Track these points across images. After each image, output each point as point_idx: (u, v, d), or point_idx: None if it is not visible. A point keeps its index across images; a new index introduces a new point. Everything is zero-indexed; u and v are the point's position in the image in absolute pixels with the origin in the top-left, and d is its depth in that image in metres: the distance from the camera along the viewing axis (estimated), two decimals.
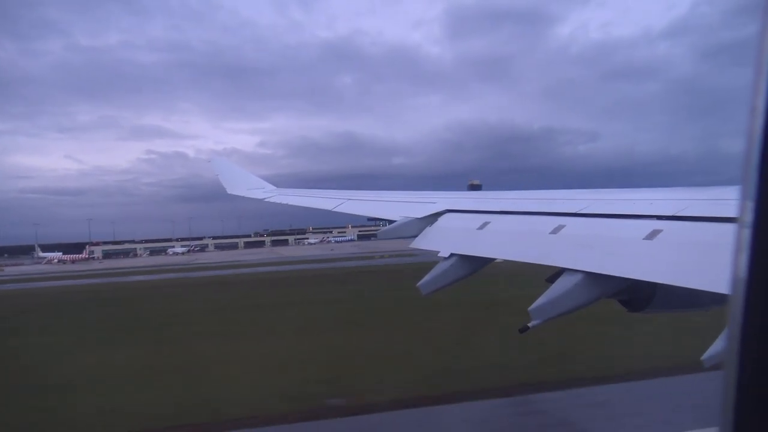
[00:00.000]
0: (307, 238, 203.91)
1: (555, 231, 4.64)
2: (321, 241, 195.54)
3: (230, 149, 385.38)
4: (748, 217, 0.83)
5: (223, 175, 13.78)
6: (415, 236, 6.22)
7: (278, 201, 11.38)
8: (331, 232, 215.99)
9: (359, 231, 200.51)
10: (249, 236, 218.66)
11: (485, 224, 5.55)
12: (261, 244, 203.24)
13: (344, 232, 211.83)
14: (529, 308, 3.87)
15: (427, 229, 6.23)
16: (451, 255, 5.29)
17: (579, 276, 3.86)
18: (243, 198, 12.71)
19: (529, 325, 3.98)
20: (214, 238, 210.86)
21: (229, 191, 13.25)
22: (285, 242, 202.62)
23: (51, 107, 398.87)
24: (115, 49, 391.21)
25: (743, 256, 0.84)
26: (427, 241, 5.97)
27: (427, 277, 5.28)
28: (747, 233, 0.83)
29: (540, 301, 3.88)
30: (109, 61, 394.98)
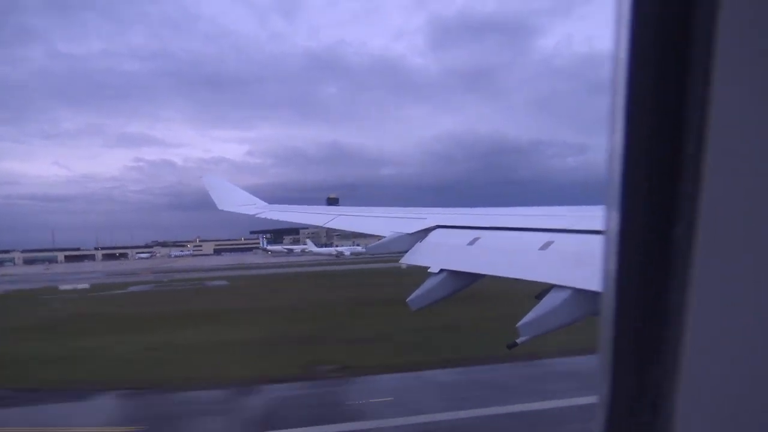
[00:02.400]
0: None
1: (544, 247, 4.64)
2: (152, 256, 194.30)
3: (218, 158, 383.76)
4: (614, 225, 1.00)
5: (214, 191, 13.78)
6: (406, 252, 6.21)
7: (269, 217, 11.39)
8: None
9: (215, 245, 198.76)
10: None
11: (475, 240, 5.55)
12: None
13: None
14: (518, 324, 3.85)
15: (417, 244, 6.22)
16: (441, 271, 5.27)
17: (567, 292, 3.84)
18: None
19: (517, 341, 3.96)
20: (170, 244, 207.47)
21: (219, 207, 13.25)
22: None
23: (35, 114, 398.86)
24: (97, 56, 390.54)
25: (612, 259, 1.00)
26: (417, 257, 5.96)
27: (417, 293, 5.25)
28: (614, 240, 1.00)
29: (528, 317, 3.86)
30: (91, 69, 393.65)
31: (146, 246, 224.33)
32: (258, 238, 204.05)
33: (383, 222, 7.69)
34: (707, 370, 0.93)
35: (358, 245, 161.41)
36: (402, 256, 6.19)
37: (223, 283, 70.93)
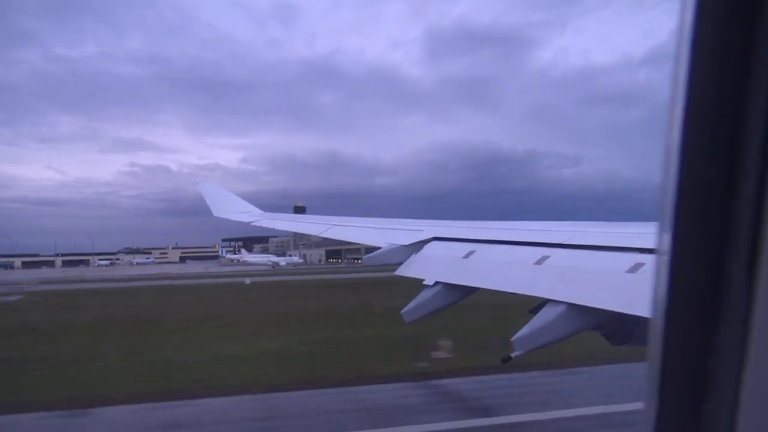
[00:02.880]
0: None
1: (539, 262, 4.65)
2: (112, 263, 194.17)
3: (213, 164, 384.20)
4: (666, 247, 0.96)
5: (210, 198, 13.77)
6: (401, 263, 6.20)
7: (264, 225, 11.38)
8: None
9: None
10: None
11: (471, 253, 5.55)
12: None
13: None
14: (512, 338, 3.85)
15: (413, 256, 6.22)
16: (436, 283, 5.27)
17: (562, 307, 3.85)
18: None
19: (512, 355, 3.95)
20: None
21: (215, 214, 13.24)
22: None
23: (30, 116, 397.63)
24: (93, 60, 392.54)
25: (663, 284, 0.96)
26: (413, 269, 5.95)
27: (410, 305, 5.24)
28: (665, 261, 0.96)
29: (523, 331, 3.86)
30: (87, 72, 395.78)
31: (113, 253, 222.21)
32: (230, 246, 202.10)
33: (379, 233, 7.69)
34: (759, 380, 0.85)
35: (294, 256, 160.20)
36: (397, 268, 6.18)
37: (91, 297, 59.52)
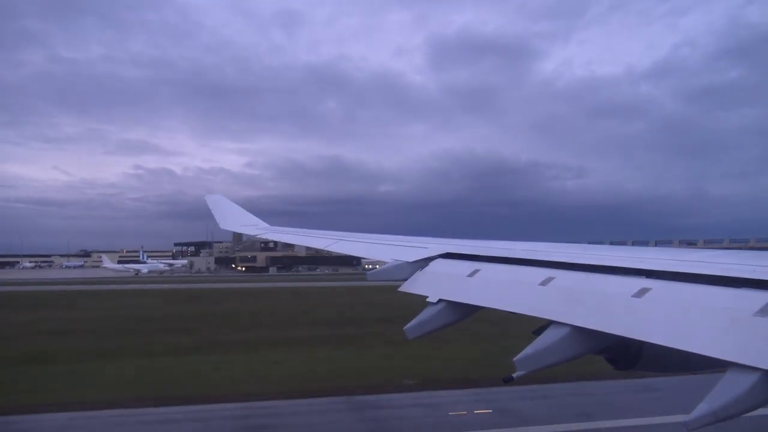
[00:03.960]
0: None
1: (544, 283, 4.62)
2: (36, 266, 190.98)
3: (218, 168, 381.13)
4: None
5: (217, 211, 13.86)
6: (406, 279, 6.18)
7: (270, 238, 11.44)
8: None
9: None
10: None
11: (475, 272, 5.52)
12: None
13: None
14: (515, 359, 3.82)
15: (418, 273, 6.20)
16: (440, 301, 5.24)
17: (566, 329, 3.82)
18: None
19: (514, 375, 3.92)
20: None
21: (222, 226, 13.35)
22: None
23: (35, 117, 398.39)
24: (97, 62, 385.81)
25: None
26: (417, 286, 5.93)
27: (413, 322, 5.22)
28: None
29: (526, 351, 3.83)
30: (91, 74, 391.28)
31: (47, 255, 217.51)
32: (182, 249, 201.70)
33: (385, 249, 7.69)
34: None
35: (162, 263, 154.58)
36: (401, 284, 6.16)
37: None
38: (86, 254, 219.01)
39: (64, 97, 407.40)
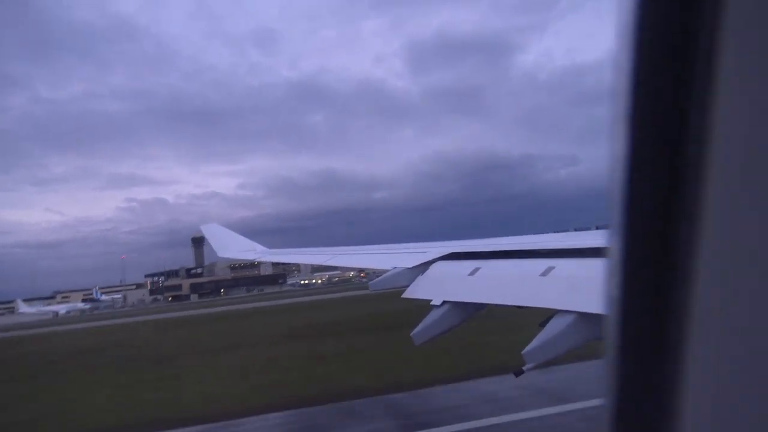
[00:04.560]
0: None
1: (545, 273, 4.63)
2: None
3: (210, 193, 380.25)
4: (616, 248, 0.98)
5: (214, 239, 13.99)
6: (407, 286, 6.18)
7: (268, 260, 11.49)
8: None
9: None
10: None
11: (476, 270, 5.53)
12: None
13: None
14: (523, 351, 3.82)
15: (419, 278, 6.20)
16: (444, 303, 5.24)
17: (570, 317, 3.82)
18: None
19: (524, 368, 3.91)
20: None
21: (219, 254, 13.41)
22: None
23: (24, 160, 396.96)
24: (79, 99, 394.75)
25: (616, 259, 0.98)
26: (419, 290, 5.93)
27: (419, 327, 5.21)
28: (617, 259, 0.98)
29: (533, 344, 3.83)
30: (74, 112, 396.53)
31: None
32: (153, 280, 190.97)
33: (383, 258, 7.69)
34: (710, 370, 0.92)
35: (82, 302, 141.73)
36: (403, 291, 6.16)
37: None
38: (52, 296, 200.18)
39: (50, 137, 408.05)
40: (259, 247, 12.95)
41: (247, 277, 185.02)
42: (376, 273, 7.21)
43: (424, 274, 6.25)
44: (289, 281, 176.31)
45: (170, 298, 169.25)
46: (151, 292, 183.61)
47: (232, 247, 13.52)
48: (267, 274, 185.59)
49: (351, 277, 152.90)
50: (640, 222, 0.96)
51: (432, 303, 5.38)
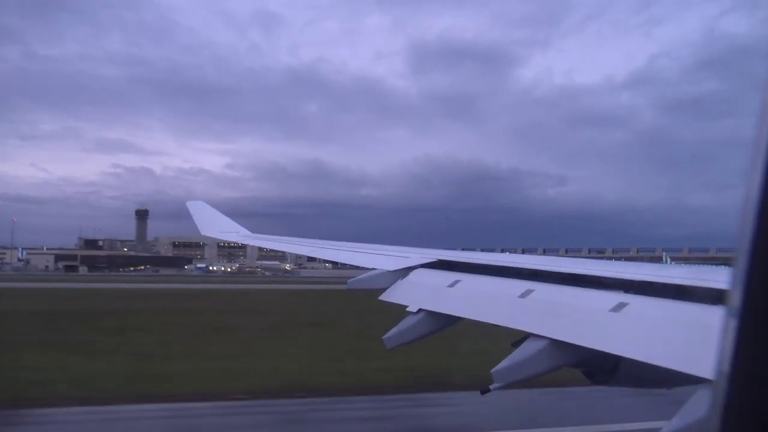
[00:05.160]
0: None
1: (523, 295, 4.64)
2: None
3: (198, 169, 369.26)
4: (735, 305, 0.86)
5: (198, 216, 13.86)
6: (385, 289, 6.17)
7: (251, 243, 11.44)
8: None
9: None
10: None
11: (456, 282, 5.54)
12: None
13: None
14: (492, 370, 3.82)
15: (398, 282, 6.20)
16: (419, 311, 5.24)
17: (543, 342, 3.84)
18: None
19: (491, 387, 3.92)
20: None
21: (202, 232, 13.33)
22: None
23: (11, 114, 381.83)
24: (73, 60, 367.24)
25: (728, 344, 0.86)
26: (397, 295, 5.92)
27: (392, 331, 5.21)
28: (733, 323, 0.85)
29: (503, 364, 3.84)
30: (68, 72, 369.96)
31: None
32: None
33: (366, 257, 7.68)
34: None
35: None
36: (381, 293, 6.15)
37: None
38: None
39: (41, 94, 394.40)
40: (243, 230, 12.87)
41: (149, 256, 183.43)
42: (363, 271, 7.18)
43: (404, 279, 6.24)
44: (198, 266, 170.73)
45: (64, 268, 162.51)
46: (59, 258, 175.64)
47: (215, 226, 13.40)
48: (172, 255, 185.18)
49: (258, 271, 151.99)
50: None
51: (408, 309, 5.38)
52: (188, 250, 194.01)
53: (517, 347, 4.06)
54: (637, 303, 3.76)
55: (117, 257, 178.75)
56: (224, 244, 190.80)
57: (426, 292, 5.75)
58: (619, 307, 3.72)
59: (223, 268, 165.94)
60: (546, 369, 3.86)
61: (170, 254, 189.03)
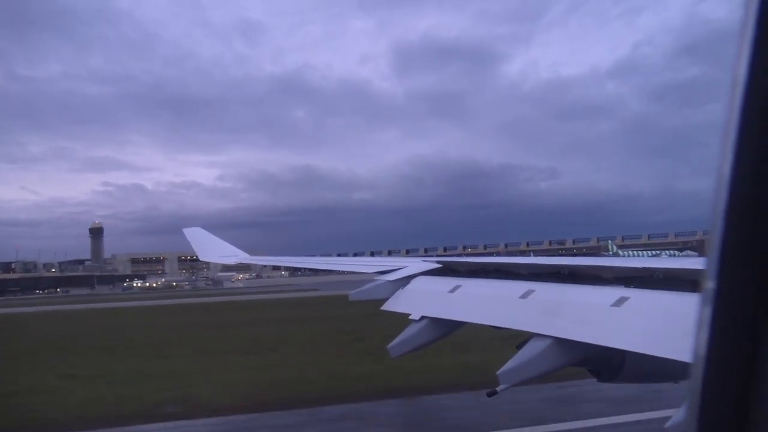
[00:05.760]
0: None
1: (525, 295, 4.66)
2: None
3: (189, 182, 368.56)
4: (709, 295, 0.87)
5: (196, 242, 13.99)
6: (387, 299, 6.18)
7: (250, 263, 11.52)
8: None
9: None
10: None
11: (456, 287, 5.55)
12: None
13: None
14: (498, 372, 3.83)
15: (399, 291, 6.21)
16: (422, 318, 5.25)
17: (547, 341, 3.85)
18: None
19: (497, 389, 3.92)
20: None
21: (201, 258, 13.47)
22: None
23: (1, 137, 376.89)
24: (57, 79, 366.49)
25: (703, 333, 0.88)
26: (398, 304, 5.94)
27: (396, 340, 5.21)
28: (708, 311, 0.87)
29: (508, 365, 3.85)
30: (52, 92, 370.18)
31: None
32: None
33: (365, 270, 7.69)
34: None
35: None
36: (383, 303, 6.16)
37: None
38: None
39: (26, 115, 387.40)
40: (242, 253, 13.02)
41: (76, 275, 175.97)
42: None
43: (405, 288, 6.25)
44: (125, 284, 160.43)
45: None
46: None
47: (213, 251, 13.53)
48: (103, 275, 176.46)
49: (185, 285, 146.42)
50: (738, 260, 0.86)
51: (411, 317, 5.39)
52: (148, 265, 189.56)
53: (521, 348, 4.07)
54: (638, 296, 3.78)
55: (28, 280, 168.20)
56: (185, 257, 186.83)
57: (427, 299, 5.77)
58: (620, 301, 3.74)
59: (140, 284, 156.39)
60: (551, 368, 3.86)
61: (128, 272, 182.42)
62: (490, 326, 4.78)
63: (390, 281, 6.43)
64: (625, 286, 4.08)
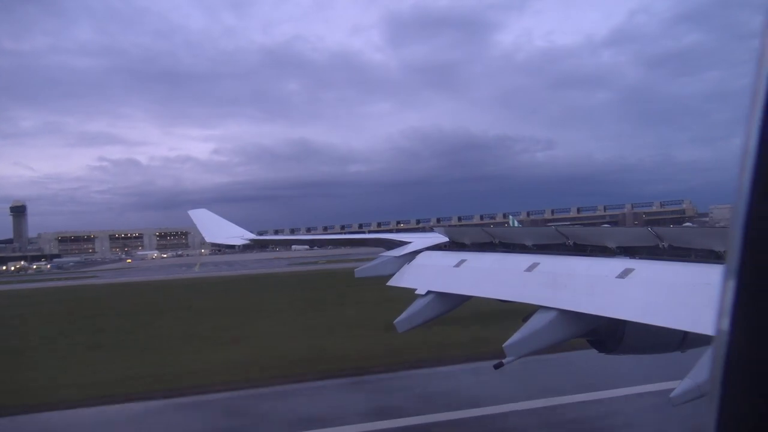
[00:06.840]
0: None
1: (530, 269, 4.67)
2: None
3: (184, 156, 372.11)
4: (734, 263, 0.86)
5: (201, 224, 13.99)
6: (393, 274, 6.22)
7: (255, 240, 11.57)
8: None
9: None
10: None
11: (462, 262, 5.57)
12: None
13: None
14: (504, 344, 3.87)
15: (405, 267, 6.25)
16: (428, 293, 5.29)
17: (552, 314, 3.88)
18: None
19: (504, 361, 3.97)
20: None
21: (207, 239, 13.47)
22: None
23: None
24: (44, 53, 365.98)
25: (727, 303, 0.87)
26: (404, 279, 5.98)
27: (403, 315, 5.26)
28: (732, 284, 0.87)
29: (514, 337, 3.89)
30: (41, 65, 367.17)
31: None
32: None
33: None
34: None
35: None
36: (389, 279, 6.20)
37: None
38: None
39: (16, 90, 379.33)
40: (247, 234, 13.05)
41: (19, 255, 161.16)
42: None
43: (410, 263, 6.28)
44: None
45: None
46: None
47: (220, 233, 13.56)
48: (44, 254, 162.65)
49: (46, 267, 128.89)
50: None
51: (417, 292, 5.43)
52: (77, 244, 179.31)
53: (526, 321, 4.11)
54: (643, 267, 3.78)
55: None
56: (117, 235, 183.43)
57: (433, 274, 5.80)
58: (625, 273, 3.74)
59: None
60: (556, 340, 3.90)
61: (56, 251, 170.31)
62: (496, 299, 4.81)
63: (396, 257, 6.46)
64: (630, 257, 4.09)
